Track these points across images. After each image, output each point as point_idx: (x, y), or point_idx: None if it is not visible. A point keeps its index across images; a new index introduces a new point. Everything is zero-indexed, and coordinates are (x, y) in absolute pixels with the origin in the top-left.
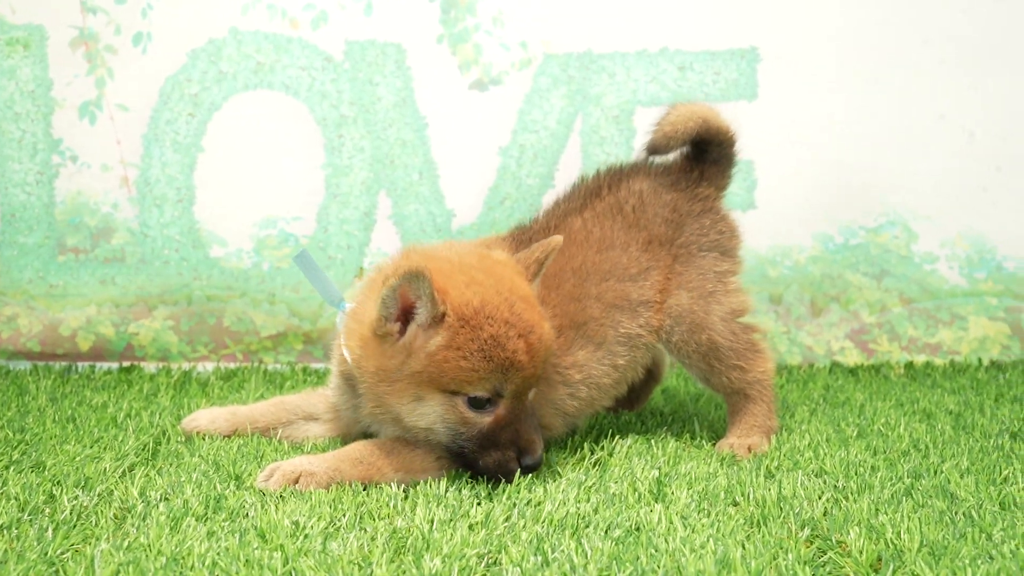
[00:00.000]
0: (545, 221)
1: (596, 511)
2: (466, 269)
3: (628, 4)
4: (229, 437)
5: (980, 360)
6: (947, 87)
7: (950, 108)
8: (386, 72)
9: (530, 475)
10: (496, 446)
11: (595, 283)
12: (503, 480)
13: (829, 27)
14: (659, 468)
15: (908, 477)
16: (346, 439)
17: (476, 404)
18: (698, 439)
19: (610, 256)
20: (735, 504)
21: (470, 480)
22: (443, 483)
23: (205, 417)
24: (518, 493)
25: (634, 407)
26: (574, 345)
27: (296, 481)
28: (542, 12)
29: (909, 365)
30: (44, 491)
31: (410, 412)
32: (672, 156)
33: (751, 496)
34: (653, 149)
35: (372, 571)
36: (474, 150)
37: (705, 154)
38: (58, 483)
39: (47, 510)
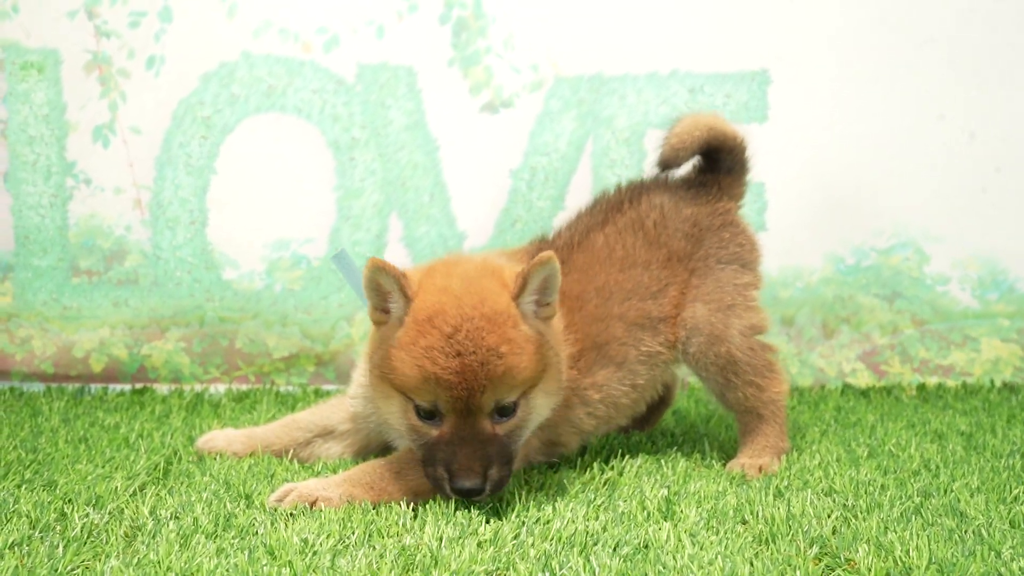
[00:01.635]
0: (568, 235)
1: (605, 529)
2: (452, 275)
3: (639, 27)
4: (242, 458)
5: (992, 381)
6: (963, 103)
7: (969, 128)
8: (398, 95)
9: (507, 495)
10: (434, 462)
11: (618, 303)
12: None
13: (839, 49)
14: (668, 487)
15: (918, 496)
16: (365, 455)
17: (421, 414)
18: (708, 459)
19: (632, 275)
20: (744, 522)
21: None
22: (452, 502)
23: (222, 438)
24: (527, 511)
25: (645, 427)
26: (595, 365)
27: (312, 505)
28: (553, 35)
29: (921, 387)
30: (55, 509)
31: (383, 409)
32: (687, 169)
33: (760, 514)
34: (664, 163)
35: None
36: (485, 172)
37: (718, 164)
38: (69, 501)
39: (58, 527)
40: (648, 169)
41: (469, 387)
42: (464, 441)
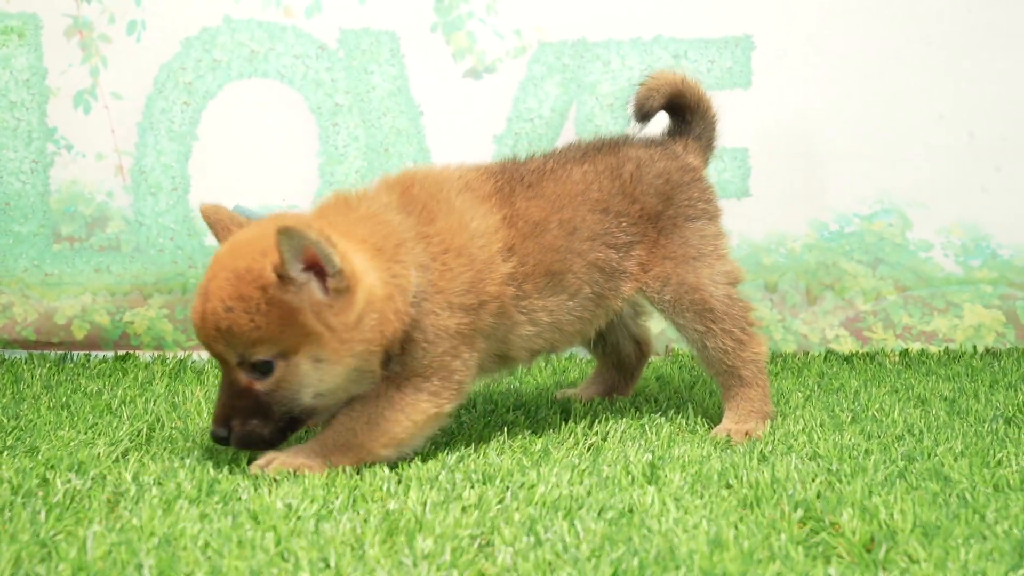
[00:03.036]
0: (542, 162)
1: (589, 493)
2: (254, 228)
3: None
4: None
5: (975, 347)
6: (943, 73)
7: (947, 96)
8: (380, 60)
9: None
10: None
11: (581, 240)
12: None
13: (824, 15)
14: (653, 452)
15: (902, 460)
16: None
17: None
18: (692, 424)
19: (603, 220)
20: (728, 487)
21: (463, 462)
22: (435, 465)
23: None
24: (511, 476)
25: (628, 389)
26: (547, 291)
27: (295, 472)
28: (536, 0)
29: (904, 353)
30: (37, 475)
31: None
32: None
33: (744, 479)
34: (639, 107)
35: (364, 552)
36: (469, 138)
37: (689, 127)
38: (52, 467)
39: (40, 493)
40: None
41: (204, 333)
42: (220, 389)
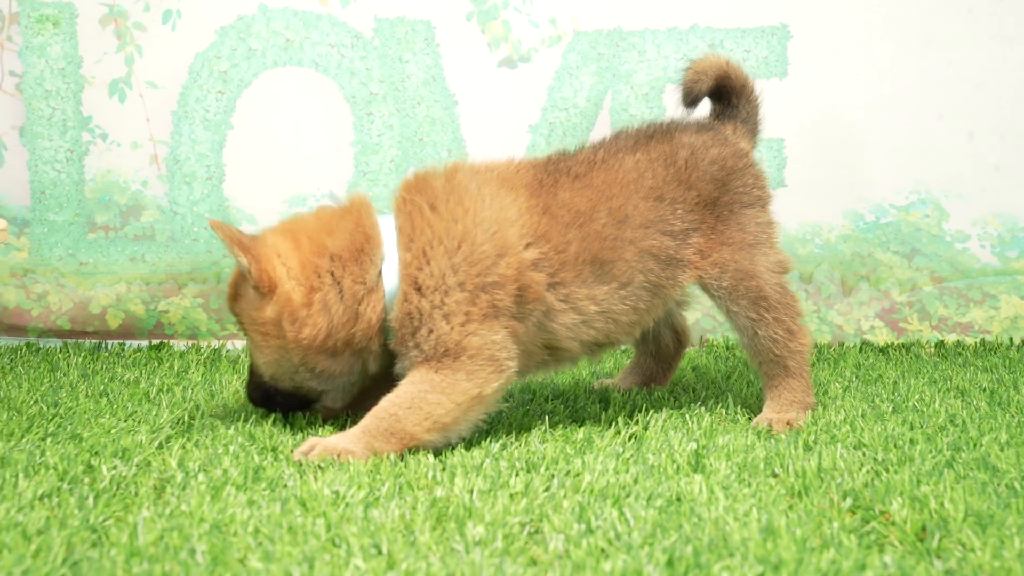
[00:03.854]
0: (592, 153)
1: (636, 481)
2: None
3: None
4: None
5: (1011, 339)
6: (975, 56)
7: (984, 85)
8: (415, 49)
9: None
10: None
11: (633, 228)
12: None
13: (860, 3)
14: (696, 441)
15: (948, 450)
16: None
17: None
18: (732, 414)
19: (657, 207)
20: (775, 475)
21: (507, 450)
22: (478, 453)
23: None
24: (556, 464)
25: (666, 379)
26: (593, 280)
27: (338, 458)
28: None
29: (940, 344)
30: (82, 461)
31: None
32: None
33: (790, 468)
34: (687, 90)
35: (415, 538)
36: (503, 128)
37: (735, 110)
38: (96, 454)
39: (86, 480)
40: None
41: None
42: None
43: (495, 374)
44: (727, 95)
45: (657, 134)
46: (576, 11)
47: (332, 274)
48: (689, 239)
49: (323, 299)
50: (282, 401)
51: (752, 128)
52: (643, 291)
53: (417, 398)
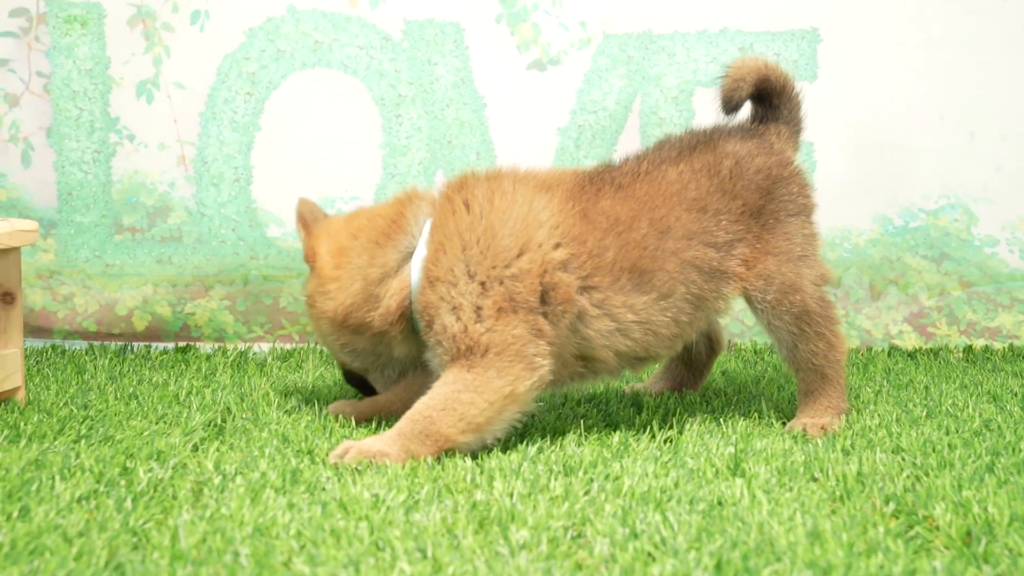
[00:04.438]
0: (635, 164)
1: (676, 485)
2: None
3: None
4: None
5: None
6: (1006, 60)
7: (1016, 90)
8: (444, 51)
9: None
10: None
11: (675, 239)
12: None
13: (891, 7)
14: (733, 445)
15: (987, 455)
16: None
17: None
18: (767, 418)
19: (700, 219)
20: (814, 479)
21: (543, 454)
22: (515, 456)
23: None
24: (594, 468)
25: (697, 384)
26: (631, 288)
27: (373, 460)
28: None
29: (968, 349)
30: (118, 464)
31: None
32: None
33: (830, 472)
34: (726, 98)
35: (459, 542)
36: (532, 130)
37: (776, 111)
38: (131, 456)
39: (123, 482)
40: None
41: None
42: None
43: (527, 371)
44: (768, 97)
45: (700, 144)
46: (606, 14)
47: (356, 254)
48: (734, 250)
49: (345, 276)
50: (350, 378)
51: (795, 129)
52: (685, 303)
53: (450, 399)
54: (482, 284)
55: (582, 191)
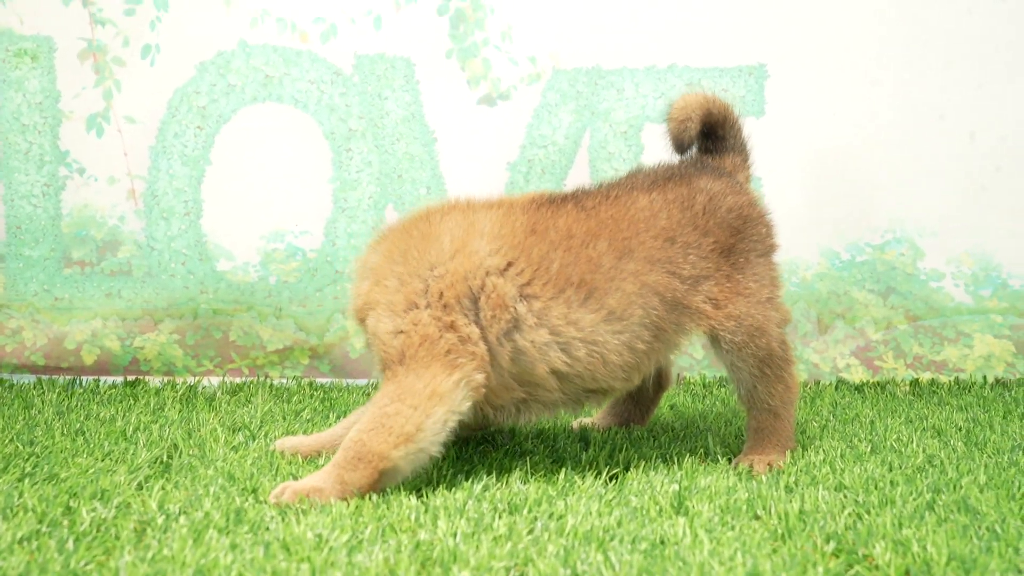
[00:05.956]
0: (605, 190)
1: (619, 524)
2: None
3: (637, 20)
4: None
5: (985, 378)
6: (956, 105)
7: (959, 129)
8: (395, 86)
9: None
10: None
11: (637, 261)
12: None
13: (837, 44)
14: (679, 482)
15: (928, 492)
16: None
17: None
18: (713, 454)
19: (667, 248)
20: (757, 517)
21: (488, 491)
22: (460, 494)
23: (291, 442)
24: (539, 506)
25: (645, 419)
26: (575, 302)
27: (308, 497)
28: (551, 27)
29: (915, 382)
30: (61, 503)
31: None
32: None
33: (772, 510)
34: (677, 141)
35: None
36: (482, 165)
37: (724, 142)
38: (74, 495)
39: (65, 522)
40: (646, 163)
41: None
42: None
43: (445, 369)
44: (713, 128)
45: (675, 176)
46: (555, 49)
47: (366, 256)
48: (700, 286)
49: (358, 277)
50: None
51: (744, 156)
52: (643, 329)
53: (377, 415)
54: (402, 282)
55: (536, 208)
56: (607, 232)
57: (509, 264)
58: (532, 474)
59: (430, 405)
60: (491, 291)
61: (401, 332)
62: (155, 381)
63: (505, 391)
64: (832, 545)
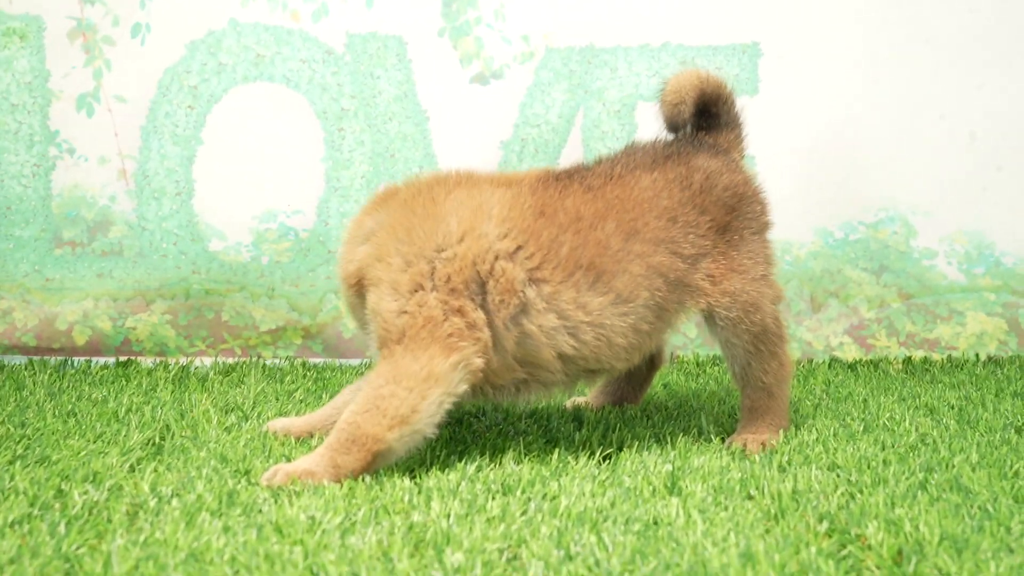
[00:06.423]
0: (608, 167)
1: (613, 505)
2: None
3: None
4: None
5: (977, 356)
6: (948, 83)
7: (951, 105)
8: (387, 65)
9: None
10: None
11: (643, 243)
12: None
13: (831, 22)
14: (672, 462)
15: (920, 471)
16: None
17: None
18: (706, 433)
19: (670, 228)
20: (750, 498)
21: (482, 472)
22: (454, 476)
23: (283, 423)
24: (532, 487)
25: (638, 398)
26: (584, 286)
27: (300, 479)
28: (544, 6)
29: (907, 360)
30: (52, 486)
31: None
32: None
33: (766, 490)
34: (670, 123)
35: (394, 566)
36: (475, 144)
37: (718, 119)
38: (66, 478)
39: (57, 505)
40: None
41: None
42: None
43: (443, 351)
44: (707, 107)
45: (674, 155)
46: (548, 28)
47: (361, 219)
48: (699, 264)
49: (351, 239)
50: None
51: (738, 132)
52: (648, 311)
53: (372, 397)
54: (408, 262)
55: (544, 188)
56: (614, 213)
57: (518, 248)
58: (525, 455)
59: (426, 387)
60: (500, 276)
61: (405, 312)
62: (147, 362)
63: (507, 372)
64: (825, 525)
